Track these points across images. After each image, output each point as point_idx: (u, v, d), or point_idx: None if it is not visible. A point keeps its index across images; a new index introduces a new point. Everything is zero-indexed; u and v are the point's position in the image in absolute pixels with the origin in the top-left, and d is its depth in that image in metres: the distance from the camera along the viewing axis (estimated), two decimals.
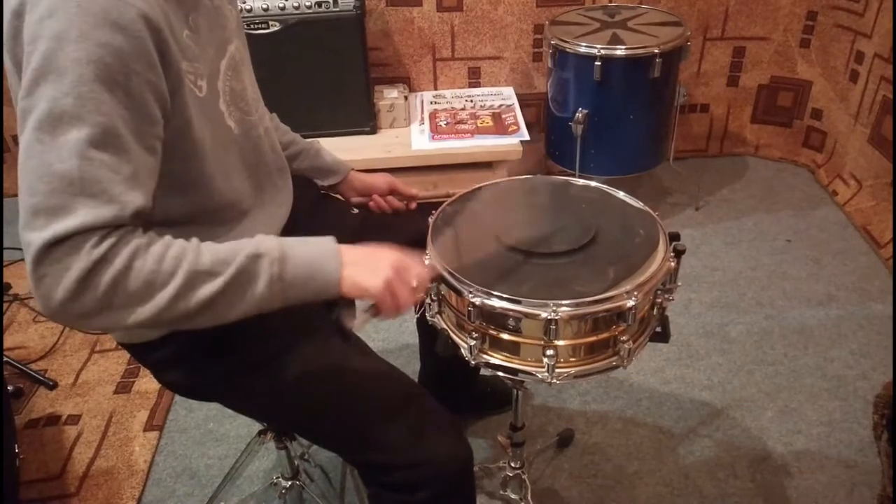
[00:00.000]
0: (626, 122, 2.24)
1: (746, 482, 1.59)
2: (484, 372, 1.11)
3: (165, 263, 0.77)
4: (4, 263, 2.31)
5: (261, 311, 0.83)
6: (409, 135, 2.39)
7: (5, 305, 2.18)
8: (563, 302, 0.94)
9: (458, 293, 0.99)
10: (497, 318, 0.98)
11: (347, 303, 0.90)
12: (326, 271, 0.85)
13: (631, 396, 1.83)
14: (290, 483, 1.43)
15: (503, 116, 2.44)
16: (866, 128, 2.42)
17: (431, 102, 2.58)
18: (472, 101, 2.57)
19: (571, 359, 1.00)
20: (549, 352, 0.97)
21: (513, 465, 1.44)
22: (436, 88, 2.69)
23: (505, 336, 0.99)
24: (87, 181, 0.73)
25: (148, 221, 0.81)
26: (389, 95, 2.46)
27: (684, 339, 1.99)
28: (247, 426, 1.76)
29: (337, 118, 2.35)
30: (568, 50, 2.16)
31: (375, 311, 0.90)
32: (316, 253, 0.86)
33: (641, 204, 1.17)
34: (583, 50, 2.13)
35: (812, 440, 1.68)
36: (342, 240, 0.90)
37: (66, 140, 0.72)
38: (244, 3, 2.14)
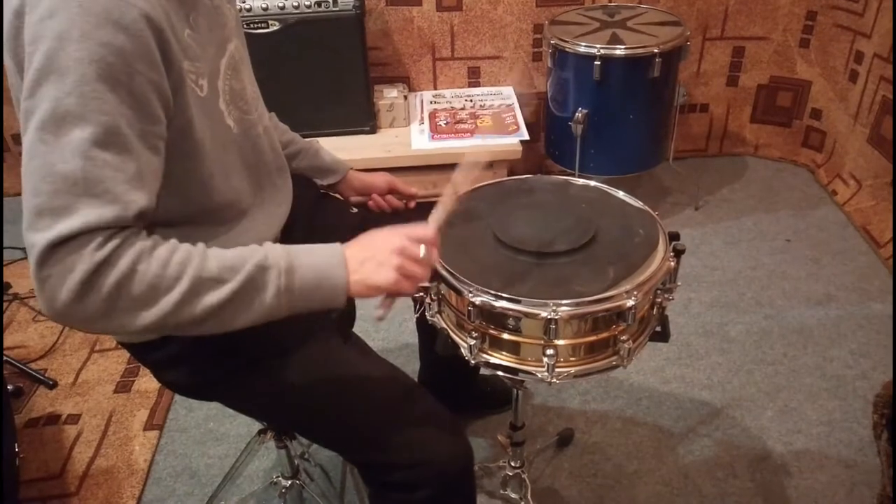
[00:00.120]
0: (625, 121, 2.24)
1: (746, 482, 1.60)
2: (484, 371, 1.11)
3: (170, 268, 0.77)
4: (4, 263, 2.30)
5: (267, 320, 0.83)
6: (408, 134, 2.39)
7: (5, 305, 2.18)
8: (563, 301, 0.94)
9: (458, 293, 0.99)
10: (497, 318, 0.98)
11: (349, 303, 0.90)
12: (333, 282, 0.85)
13: (631, 396, 1.83)
14: (290, 482, 1.43)
15: (503, 116, 2.44)
16: (866, 128, 2.42)
17: (431, 102, 2.58)
18: (471, 100, 2.57)
19: (571, 358, 1.00)
20: (549, 351, 0.97)
21: (513, 464, 1.45)
22: (435, 88, 2.69)
23: (505, 336, 0.99)
24: (91, 181, 0.73)
25: (148, 221, 0.80)
26: (389, 95, 2.46)
27: (684, 339, 1.99)
28: (247, 425, 1.76)
29: (337, 118, 2.35)
30: (567, 50, 2.16)
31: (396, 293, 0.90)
32: (323, 263, 0.85)
33: (641, 204, 1.17)
34: (582, 50, 2.13)
35: (812, 440, 1.68)
36: (342, 240, 0.90)
37: (70, 140, 0.72)
38: (244, 2, 2.14)
